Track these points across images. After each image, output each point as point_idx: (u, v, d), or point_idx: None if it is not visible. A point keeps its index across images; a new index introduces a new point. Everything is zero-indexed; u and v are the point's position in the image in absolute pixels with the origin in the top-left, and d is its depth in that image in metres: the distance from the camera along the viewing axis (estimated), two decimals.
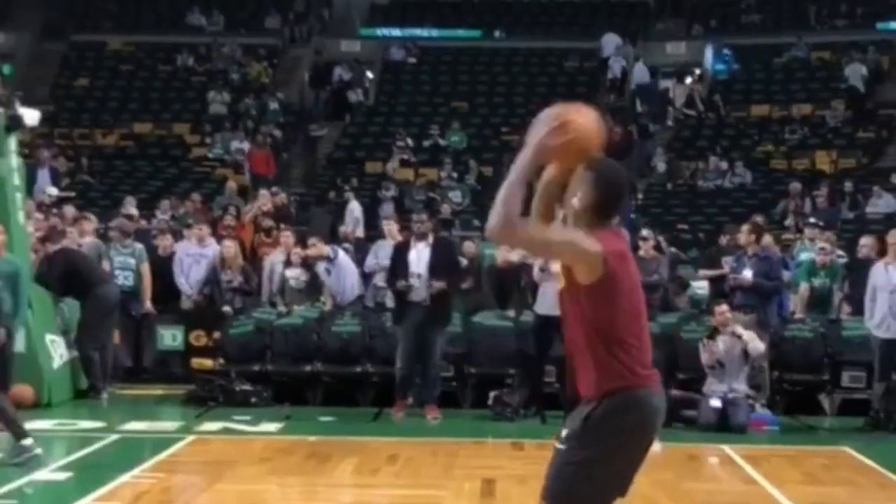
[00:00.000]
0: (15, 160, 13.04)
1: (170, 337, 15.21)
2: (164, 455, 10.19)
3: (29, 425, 10.20)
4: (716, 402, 12.06)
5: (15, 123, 12.77)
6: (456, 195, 24.48)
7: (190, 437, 11.23)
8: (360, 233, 20.12)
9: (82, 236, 14.91)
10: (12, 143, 12.94)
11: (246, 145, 26.68)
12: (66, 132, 27.45)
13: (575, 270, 4.54)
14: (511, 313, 13.93)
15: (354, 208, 21.29)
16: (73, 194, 21.49)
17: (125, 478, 9.17)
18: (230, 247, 15.17)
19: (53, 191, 20.55)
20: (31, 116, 13.12)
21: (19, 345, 11.90)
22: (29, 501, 8.72)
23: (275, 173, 25.62)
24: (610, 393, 4.52)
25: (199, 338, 15.06)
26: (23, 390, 12.22)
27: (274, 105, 28.75)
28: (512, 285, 14.40)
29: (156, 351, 15.25)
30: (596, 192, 4.61)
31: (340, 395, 13.38)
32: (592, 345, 4.57)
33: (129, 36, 31.72)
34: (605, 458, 4.51)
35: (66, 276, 13.45)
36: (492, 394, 12.77)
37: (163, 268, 15.32)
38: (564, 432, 4.64)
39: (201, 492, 8.99)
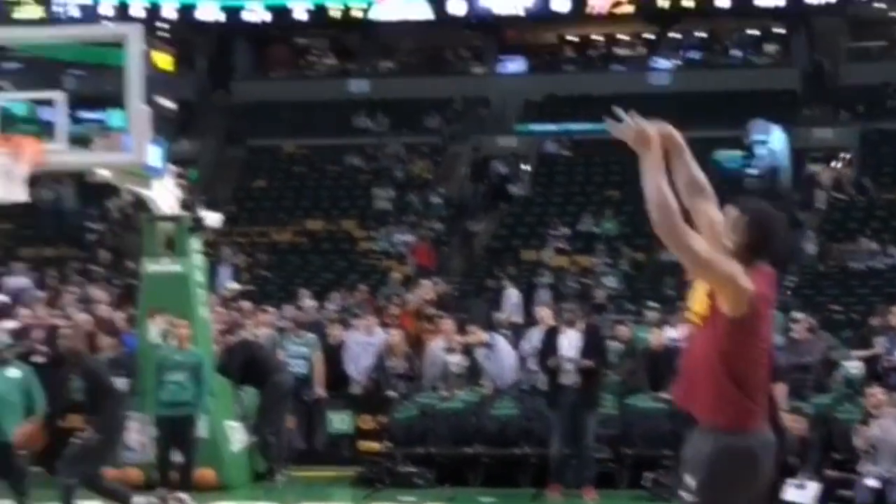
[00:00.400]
0: (198, 259, 14.17)
1: (339, 421, 15.98)
2: None
3: None
4: (873, 482, 12.08)
5: (198, 225, 13.90)
6: (610, 280, 25.04)
7: None
8: (517, 318, 20.74)
9: (259, 328, 15.93)
10: (195, 243, 14.08)
11: (409, 238, 27.77)
12: (245, 230, 28.92)
13: (721, 300, 4.80)
14: (665, 395, 14.34)
15: (512, 295, 21.99)
16: (251, 288, 22.73)
17: None
18: (395, 335, 15.97)
19: (234, 286, 21.76)
20: (212, 219, 14.26)
21: (202, 431, 12.89)
22: None
23: (436, 264, 26.58)
24: (726, 428, 4.87)
25: (366, 421, 15.76)
26: (204, 474, 13.15)
27: (436, 199, 29.83)
28: (666, 367, 14.80)
29: (326, 434, 15.99)
30: (748, 233, 4.88)
31: (500, 476, 13.90)
32: (717, 374, 4.86)
33: (301, 139, 33.40)
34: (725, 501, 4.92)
35: (245, 365, 14.37)
36: (648, 475, 13.14)
37: (333, 355, 16.16)
38: (688, 480, 4.99)
39: None
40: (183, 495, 12.21)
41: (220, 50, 35.96)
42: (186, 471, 12.46)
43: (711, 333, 4.86)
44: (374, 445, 14.86)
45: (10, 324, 16.15)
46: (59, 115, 11.13)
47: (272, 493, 13.58)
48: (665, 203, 4.73)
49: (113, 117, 12.32)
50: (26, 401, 11.47)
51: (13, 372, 11.66)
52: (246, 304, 18.18)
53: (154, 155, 11.86)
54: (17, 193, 11.04)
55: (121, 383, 13.45)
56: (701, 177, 5.15)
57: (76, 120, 11.96)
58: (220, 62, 35.78)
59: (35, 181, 12.49)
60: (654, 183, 4.79)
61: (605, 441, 13.66)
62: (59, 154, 11.32)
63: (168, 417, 12.28)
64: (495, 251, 28.44)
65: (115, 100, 11.86)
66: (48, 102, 11.81)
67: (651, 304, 17.75)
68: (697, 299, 4.97)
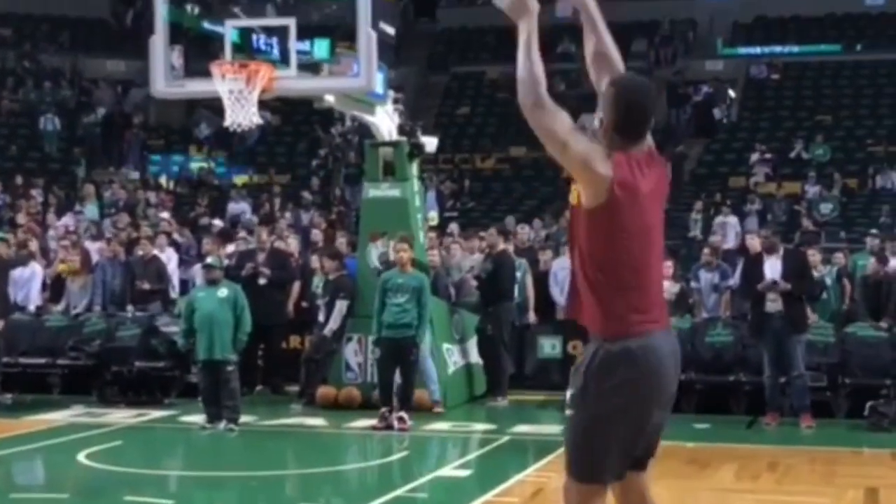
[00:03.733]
0: (416, 184, 14.44)
1: (549, 346, 16.19)
2: (551, 456, 10.80)
3: (428, 427, 11.33)
4: None
5: (417, 150, 14.15)
6: (826, 207, 24.47)
7: None
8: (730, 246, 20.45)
9: (472, 253, 16.18)
10: (414, 168, 14.35)
11: None
12: (449, 157, 29.26)
13: (582, 189, 4.34)
14: (884, 324, 14.05)
15: (730, 221, 21.73)
16: (454, 214, 23.06)
17: (519, 476, 10.02)
18: None
19: (433, 215, 22.11)
20: (430, 144, 14.48)
21: (425, 352, 13.23)
22: (436, 495, 9.67)
23: None
24: (609, 338, 4.36)
25: (576, 347, 15.90)
26: (422, 395, 13.47)
27: None
28: (886, 296, 14.50)
29: (536, 359, 16.26)
30: (615, 110, 4.34)
31: (713, 403, 13.85)
32: (590, 278, 4.35)
33: (505, 66, 33.30)
34: (610, 417, 4.38)
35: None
36: (868, 404, 12.93)
37: (542, 281, 16.32)
38: (569, 394, 4.62)
39: None
40: (404, 415, 12.55)
41: None
42: (407, 392, 12.79)
43: (580, 232, 4.43)
44: None
45: (231, 247, 16.87)
46: (290, 41, 11.41)
47: (488, 415, 13.84)
48: (529, 77, 4.28)
49: (318, 46, 12.57)
50: (235, 318, 12.10)
51: (223, 292, 12.27)
52: (454, 229, 18.53)
53: (378, 81, 12.08)
54: (250, 117, 11.44)
55: (342, 305, 13.97)
56: (612, 52, 4.72)
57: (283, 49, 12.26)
58: None
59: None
60: (523, 53, 4.32)
61: (823, 369, 13.47)
62: (290, 80, 11.63)
63: (390, 339, 12.61)
64: (701, 177, 28.06)
65: (319, 30, 12.12)
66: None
67: (872, 231, 17.34)
68: (574, 190, 4.63)
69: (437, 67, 34.19)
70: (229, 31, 11.64)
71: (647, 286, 4.38)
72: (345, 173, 25.29)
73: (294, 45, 11.50)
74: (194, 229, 21.30)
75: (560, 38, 33.81)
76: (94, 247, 18.72)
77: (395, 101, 14.03)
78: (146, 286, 16.38)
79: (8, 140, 30.08)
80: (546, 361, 16.15)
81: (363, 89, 12.14)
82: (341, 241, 16.47)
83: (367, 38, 11.53)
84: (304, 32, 12.02)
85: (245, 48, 11.94)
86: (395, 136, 14.07)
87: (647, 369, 4.36)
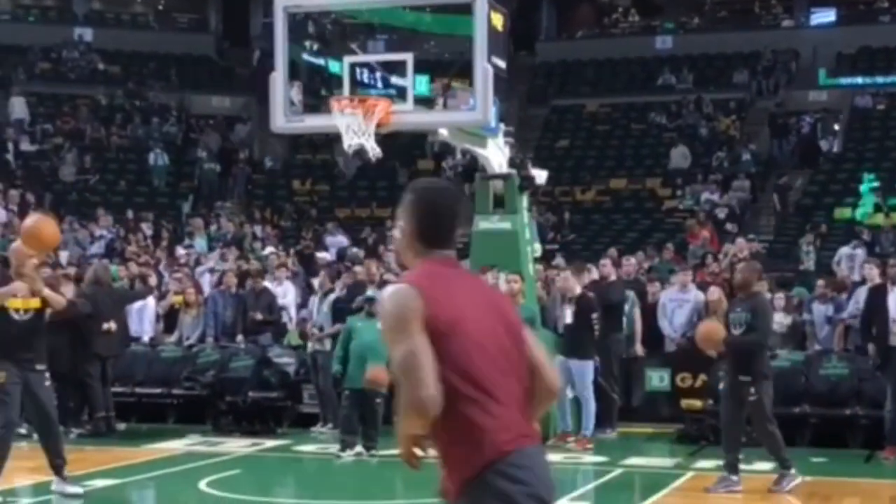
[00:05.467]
0: (526, 216, 14.52)
1: (657, 378, 16.09)
2: (667, 490, 10.88)
3: None
4: None
5: (527, 183, 14.24)
6: None
7: (689, 474, 11.99)
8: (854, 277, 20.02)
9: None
10: (524, 200, 14.43)
11: (716, 197, 27.41)
12: (549, 190, 29.27)
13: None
14: None
15: (857, 254, 21.33)
16: (555, 247, 23.06)
17: None
18: (715, 291, 15.84)
19: (536, 247, 22.10)
20: (540, 176, 14.56)
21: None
22: None
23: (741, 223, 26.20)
24: (462, 488, 3.84)
25: (685, 379, 15.78)
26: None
27: (746, 156, 29.31)
28: None
29: (644, 392, 16.17)
30: (414, 216, 4.01)
31: (827, 436, 13.68)
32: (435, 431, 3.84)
33: (604, 98, 33.47)
34: None
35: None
36: None
37: (649, 313, 16.24)
38: None
39: None
40: None
41: (524, 11, 36.38)
42: None
43: None
44: (696, 403, 14.85)
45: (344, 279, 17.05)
46: (407, 76, 11.58)
47: (598, 447, 13.78)
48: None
49: (419, 83, 12.71)
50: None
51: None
52: (560, 262, 18.51)
53: (493, 114, 12.20)
54: (368, 151, 11.62)
55: None
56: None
57: (386, 84, 12.44)
58: (524, 23, 36.18)
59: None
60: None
61: None
62: (407, 114, 11.80)
63: None
64: (806, 208, 27.76)
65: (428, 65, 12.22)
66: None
67: None
68: None
69: (537, 101, 34.34)
70: (347, 66, 11.85)
71: (495, 401, 3.89)
72: None
73: (411, 79, 11.67)
74: (301, 261, 21.58)
75: (660, 69, 33.83)
76: (205, 280, 19.10)
77: (506, 135, 14.14)
78: (259, 317, 16.63)
79: (117, 175, 30.80)
80: (654, 394, 16.02)
81: (479, 123, 12.28)
82: None
83: (483, 72, 11.68)
84: (417, 67, 12.18)
85: (353, 83, 12.13)
86: (505, 169, 14.17)
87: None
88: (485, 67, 11.72)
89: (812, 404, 13.81)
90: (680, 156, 29.71)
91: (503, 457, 3.81)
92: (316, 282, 18.09)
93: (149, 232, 24.39)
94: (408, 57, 11.73)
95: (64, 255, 22.21)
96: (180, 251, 22.30)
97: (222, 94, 34.38)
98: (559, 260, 20.24)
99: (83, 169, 30.15)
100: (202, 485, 11.02)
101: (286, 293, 17.76)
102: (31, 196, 26.13)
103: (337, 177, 31.47)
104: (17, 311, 9.88)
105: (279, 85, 12.05)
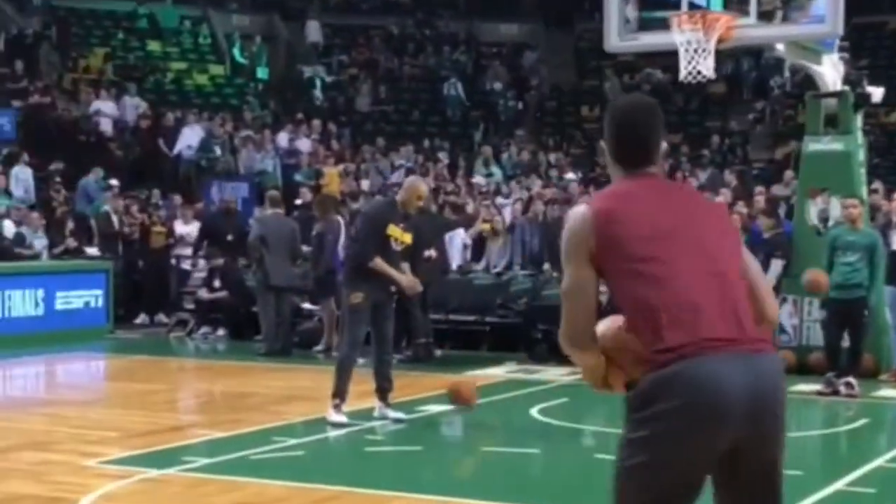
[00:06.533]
0: (860, 137, 13.63)
1: None
2: None
3: (877, 393, 10.59)
4: None
5: (863, 101, 13.34)
6: None
7: None
8: None
9: None
10: (859, 120, 13.54)
11: None
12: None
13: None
14: None
15: None
16: None
17: None
18: None
19: None
20: (876, 93, 13.62)
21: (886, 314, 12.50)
22: None
23: None
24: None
25: None
26: (866, 359, 12.70)
27: None
28: None
29: None
30: (609, 134, 3.86)
31: None
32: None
33: None
34: (648, 460, 3.51)
35: None
36: None
37: None
38: None
39: None
40: (852, 381, 11.89)
41: None
42: (855, 355, 12.11)
43: None
44: None
45: None
46: None
47: None
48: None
49: None
50: None
51: None
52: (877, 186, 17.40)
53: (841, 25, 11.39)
54: (705, 69, 11.07)
55: (777, 265, 13.41)
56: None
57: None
58: None
59: None
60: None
61: None
62: (750, 28, 11.13)
63: (839, 300, 11.92)
64: None
65: None
66: None
67: None
68: None
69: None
70: None
71: (669, 317, 3.57)
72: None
73: None
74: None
75: None
76: (506, 209, 18.98)
77: (841, 49, 13.26)
78: None
79: (411, 105, 31.11)
80: None
81: (829, 35, 11.50)
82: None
83: None
84: None
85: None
86: (839, 87, 13.30)
87: (690, 395, 3.49)
88: None
89: None
90: None
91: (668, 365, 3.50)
92: None
93: (446, 161, 24.48)
94: None
95: (365, 184, 22.60)
96: (480, 179, 22.29)
97: (510, 22, 34.14)
98: (877, 184, 19.09)
99: (378, 99, 30.58)
100: (534, 412, 10.86)
101: None
102: (333, 126, 26.72)
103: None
104: (395, 240, 10.17)
105: (613, 3, 11.57)
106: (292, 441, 9.38)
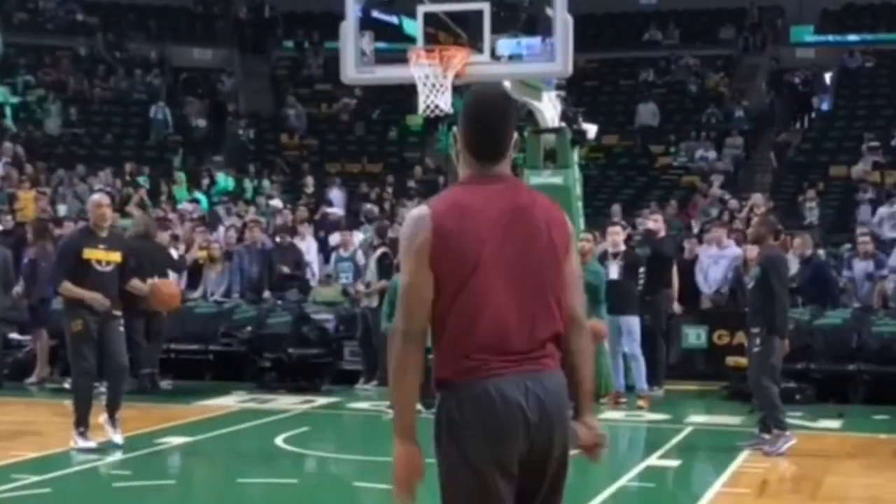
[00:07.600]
0: (577, 171, 14.31)
1: (694, 336, 15.98)
2: (747, 447, 10.64)
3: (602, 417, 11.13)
4: None
5: (580, 138, 14.02)
6: None
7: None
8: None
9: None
10: (575, 155, 14.22)
11: (711, 154, 27.42)
12: None
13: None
14: None
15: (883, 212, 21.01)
16: None
17: (736, 465, 9.85)
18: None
19: None
20: (591, 130, 14.35)
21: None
22: (664, 487, 9.57)
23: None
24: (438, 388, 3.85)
25: (721, 337, 15.70)
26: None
27: (739, 113, 29.31)
28: None
29: (680, 349, 15.95)
30: (461, 125, 3.81)
31: (880, 394, 13.64)
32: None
33: (591, 54, 33.17)
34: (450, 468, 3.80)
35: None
36: None
37: (686, 270, 16.06)
38: None
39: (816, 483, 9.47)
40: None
41: None
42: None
43: None
44: (742, 361, 14.76)
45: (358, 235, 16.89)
46: (485, 25, 11.27)
47: (653, 405, 13.61)
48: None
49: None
50: None
51: None
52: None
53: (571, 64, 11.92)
54: (443, 104, 11.32)
55: None
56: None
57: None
58: None
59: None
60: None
61: None
62: (484, 66, 11.48)
63: None
64: (800, 165, 27.82)
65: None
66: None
67: None
68: None
69: None
70: (421, 16, 11.51)
71: (479, 327, 3.73)
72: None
73: (488, 30, 11.36)
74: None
75: (646, 25, 33.65)
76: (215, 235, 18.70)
77: (558, 88, 13.90)
78: (286, 270, 16.33)
79: (102, 128, 30.16)
80: (690, 351, 15.96)
81: (559, 74, 12.02)
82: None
83: (563, 23, 11.41)
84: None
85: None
86: (557, 123, 13.94)
87: (479, 414, 3.75)
88: (565, 18, 11.46)
89: (865, 361, 13.78)
90: (649, 113, 29.54)
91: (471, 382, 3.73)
92: (333, 239, 17.85)
93: (146, 186, 23.86)
94: (484, 6, 11.39)
95: (62, 209, 21.74)
96: (187, 206, 21.88)
97: (203, 47, 33.73)
98: (615, 207, 20.13)
99: (69, 121, 29.48)
100: (279, 441, 10.78)
101: (309, 249, 17.49)
102: (21, 149, 25.50)
103: (325, 131, 31.10)
104: (98, 262, 10.15)
105: (350, 34, 11.69)
106: (35, 478, 8.97)
